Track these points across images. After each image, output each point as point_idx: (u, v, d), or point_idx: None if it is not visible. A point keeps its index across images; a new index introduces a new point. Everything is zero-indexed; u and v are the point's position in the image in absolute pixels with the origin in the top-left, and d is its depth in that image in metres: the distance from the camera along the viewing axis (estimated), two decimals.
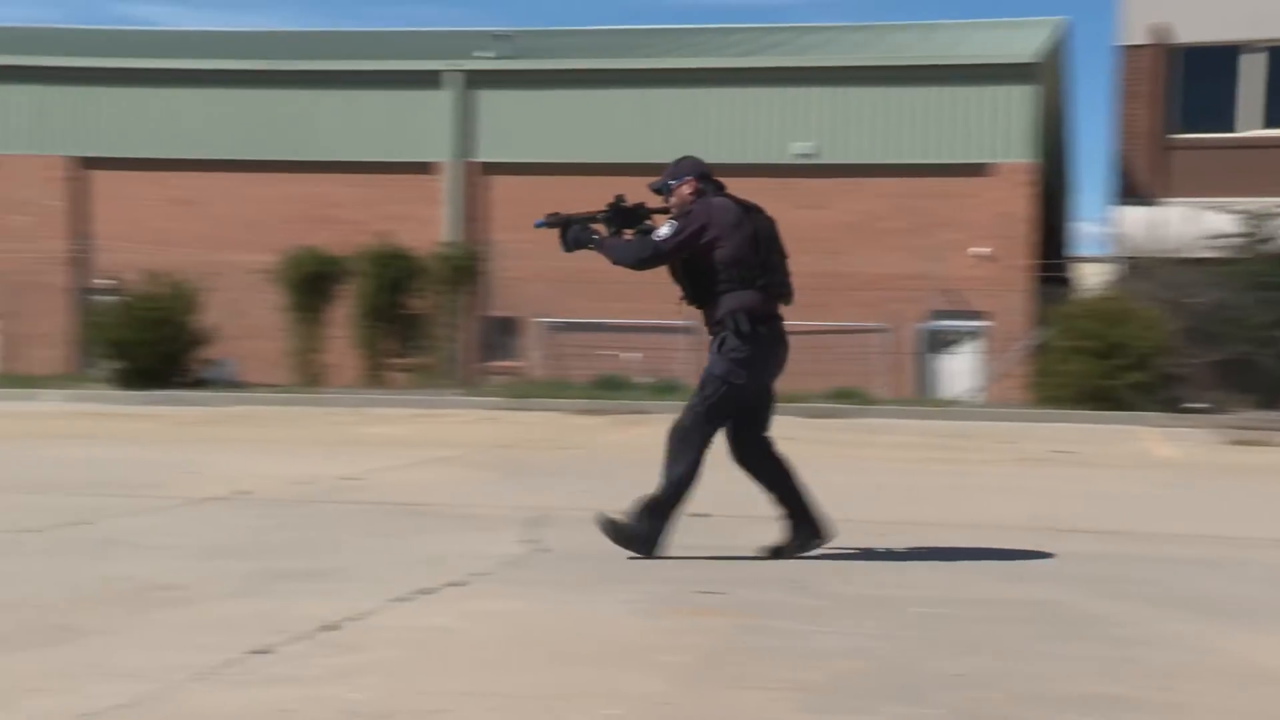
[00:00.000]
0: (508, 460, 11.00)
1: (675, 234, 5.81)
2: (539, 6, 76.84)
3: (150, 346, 20.74)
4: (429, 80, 26.23)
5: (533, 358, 24.74)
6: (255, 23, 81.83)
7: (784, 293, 5.96)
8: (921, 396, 23.09)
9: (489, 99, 26.18)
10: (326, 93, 26.60)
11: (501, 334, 25.27)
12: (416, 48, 28.87)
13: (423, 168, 26.08)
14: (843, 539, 6.27)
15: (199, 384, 21.26)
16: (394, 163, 26.05)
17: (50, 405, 18.38)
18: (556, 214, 6.15)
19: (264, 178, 26.29)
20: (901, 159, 24.85)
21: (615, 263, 6.08)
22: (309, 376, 22.45)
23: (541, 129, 25.88)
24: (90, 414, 16.64)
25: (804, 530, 5.98)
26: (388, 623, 4.47)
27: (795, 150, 25.20)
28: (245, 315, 23.57)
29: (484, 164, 25.97)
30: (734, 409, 5.87)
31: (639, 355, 23.01)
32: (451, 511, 7.52)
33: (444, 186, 26.09)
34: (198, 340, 21.53)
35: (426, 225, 25.46)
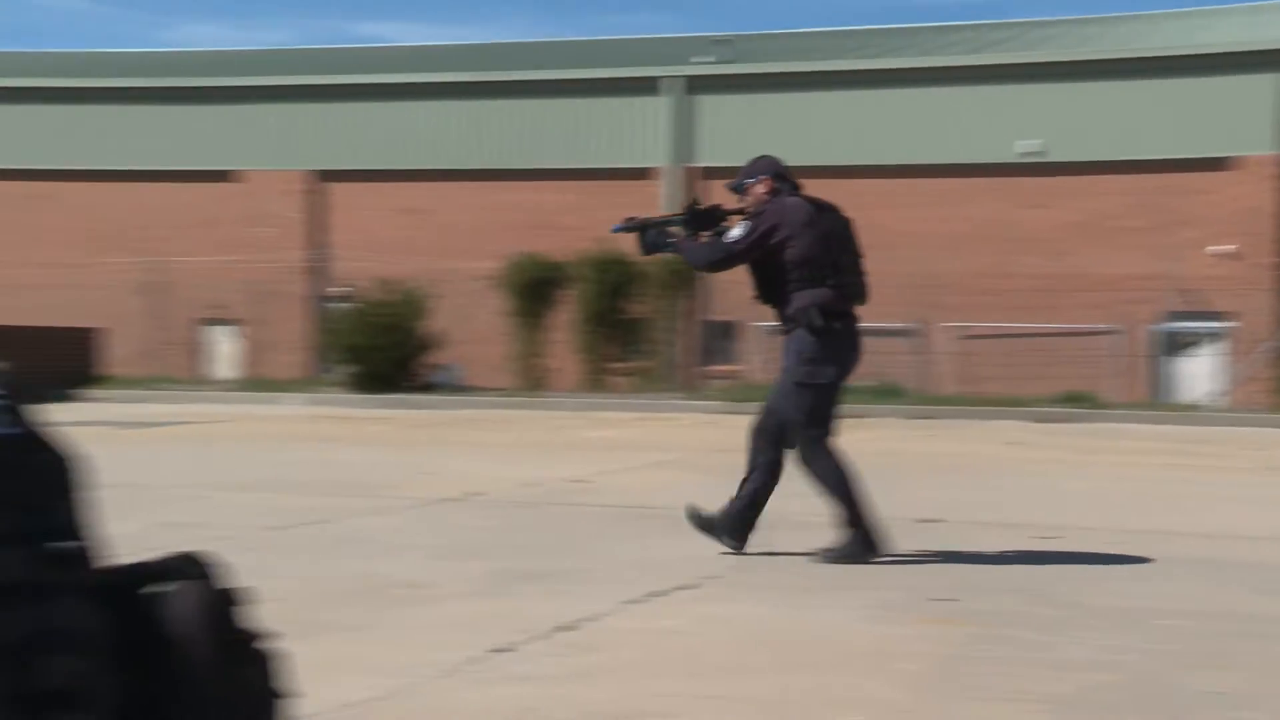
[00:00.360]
0: (730, 464, 10.99)
1: (747, 235, 5.82)
2: (758, 11, 76.78)
3: (382, 351, 21.47)
4: (647, 87, 26.49)
5: (752, 361, 24.72)
6: (480, 36, 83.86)
7: (856, 293, 5.93)
8: (1156, 401, 22.21)
9: (708, 104, 26.29)
10: (548, 102, 27.13)
11: (721, 338, 25.34)
12: (635, 55, 29.20)
13: (641, 173, 26.36)
14: (1082, 546, 6.07)
15: (427, 388, 21.90)
16: (613, 169, 26.39)
17: (290, 409, 19.20)
18: (634, 218, 6.20)
19: (488, 186, 26.97)
20: (1135, 155, 23.98)
21: (690, 265, 6.17)
22: (532, 381, 22.91)
23: (761, 132, 25.82)
24: (327, 417, 17.32)
25: (859, 535, 5.81)
26: (621, 624, 4.51)
27: (1020, 148, 24.58)
28: (470, 321, 24.21)
29: (703, 169, 26.08)
30: (830, 407, 5.83)
31: None
32: (677, 514, 7.54)
33: (662, 192, 26.30)
34: (426, 345, 22.20)
35: None
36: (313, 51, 34.66)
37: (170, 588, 1.24)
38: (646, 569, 5.61)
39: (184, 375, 26.20)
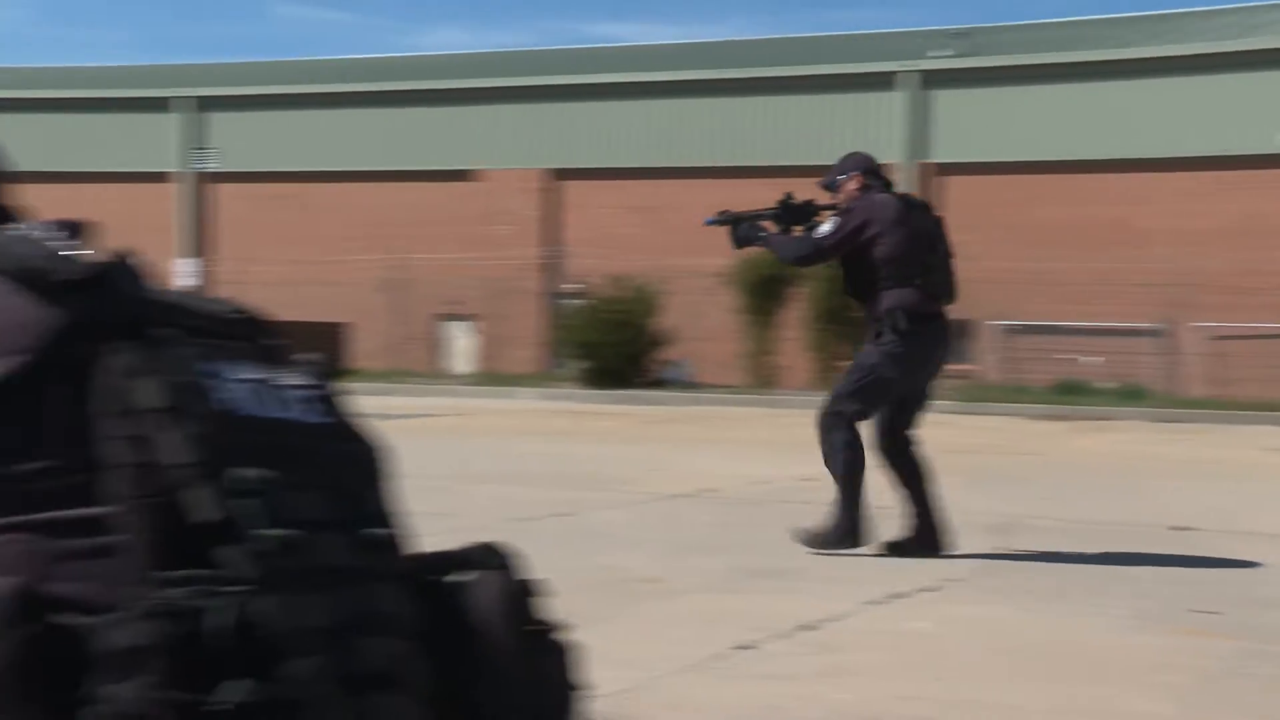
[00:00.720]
0: (966, 465, 10.74)
1: (835, 231, 5.83)
2: (997, 2, 75.00)
3: (614, 347, 21.75)
4: (882, 82, 26.13)
5: (987, 361, 24.14)
6: (713, 34, 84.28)
7: (944, 292, 5.90)
8: None
9: (944, 98, 25.77)
10: (781, 99, 27.03)
11: (954, 337, 24.82)
12: (869, 50, 28.85)
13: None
14: None
15: (657, 384, 22.10)
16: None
17: (525, 403, 19.62)
18: (727, 211, 6.24)
19: (720, 184, 26.99)
20: None
21: (780, 260, 6.25)
22: (761, 378, 22.87)
23: (999, 127, 25.22)
24: (560, 411, 17.64)
25: (923, 535, 5.82)
26: (864, 625, 4.44)
27: None
28: (701, 318, 24.30)
29: (938, 165, 25.59)
30: (879, 400, 5.81)
31: (1100, 360, 21.96)
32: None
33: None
34: (657, 342, 22.40)
35: None
36: (549, 52, 35.37)
37: (472, 577, 1.26)
38: (885, 569, 5.52)
39: (423, 369, 27.08)
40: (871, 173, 6.03)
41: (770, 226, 6.14)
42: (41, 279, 1.17)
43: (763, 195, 26.68)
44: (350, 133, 30.40)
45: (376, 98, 30.58)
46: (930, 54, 26.36)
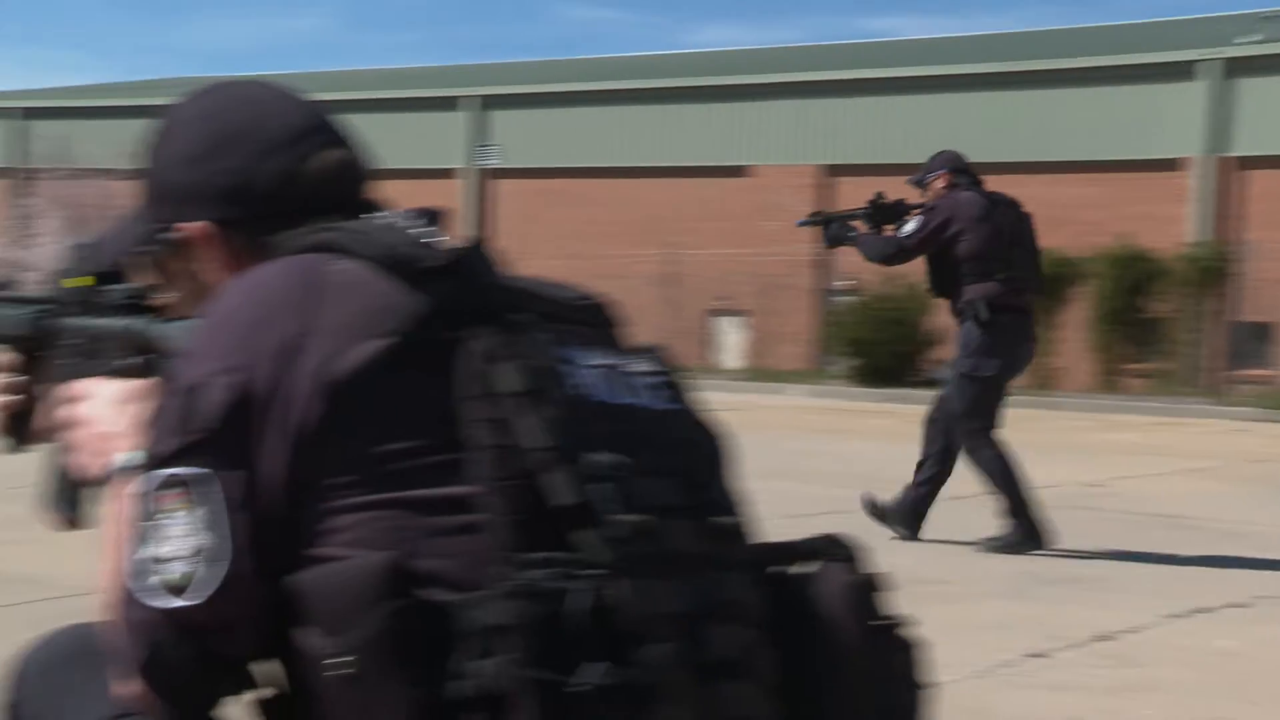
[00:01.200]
0: (1267, 474, 10.17)
1: (919, 229, 5.91)
2: None
3: (885, 345, 21.46)
4: (1180, 72, 24.91)
5: None
6: (991, 26, 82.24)
7: (1028, 286, 5.99)
8: None
9: (1250, 87, 24.39)
10: (1065, 91, 26.11)
11: (1253, 340, 23.45)
12: (1165, 38, 27.57)
13: (1168, 164, 24.83)
14: None
15: (929, 383, 21.67)
16: (1135, 160, 25.01)
17: (793, 399, 19.57)
18: (819, 212, 6.48)
19: (999, 180, 26.26)
20: None
21: (866, 259, 6.30)
22: (1039, 379, 22.15)
23: None
24: (830, 409, 17.52)
25: (1024, 528, 5.77)
26: (1165, 639, 4.24)
27: None
28: None
29: (1239, 158, 24.24)
30: (994, 400, 5.87)
31: None
32: (1212, 526, 7.06)
33: (1191, 184, 24.67)
34: (930, 341, 21.98)
35: (1169, 225, 24.19)
36: (822, 48, 35.17)
37: (816, 568, 1.25)
38: (1184, 581, 5.26)
39: (694, 364, 27.33)
40: (959, 170, 6.15)
41: (861, 226, 6.25)
42: (407, 265, 1.21)
43: (1048, 192, 25.92)
44: (625, 129, 30.91)
45: (651, 94, 30.99)
46: (1236, 40, 24.95)
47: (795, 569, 1.25)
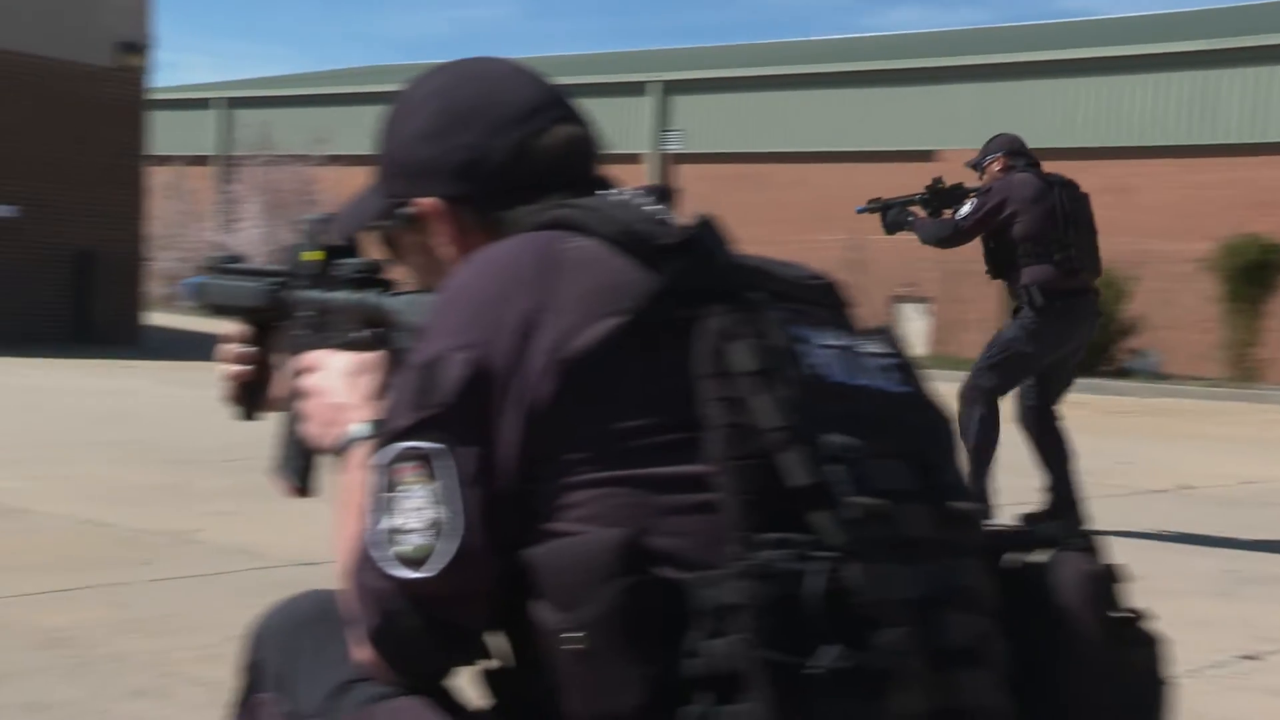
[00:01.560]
0: None
1: (974, 212, 5.94)
2: None
3: None
4: None
5: None
6: (1195, 2, 79.35)
7: (1083, 268, 5.95)
8: None
9: None
10: (1261, 69, 24.99)
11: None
12: None
13: None
14: None
15: (1124, 373, 21.04)
16: None
17: None
18: (878, 199, 6.41)
19: (1199, 163, 25.32)
20: None
21: (923, 242, 6.34)
22: (1242, 371, 21.31)
23: None
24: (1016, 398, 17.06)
25: (1065, 514, 5.69)
26: None
27: None
28: (1172, 306, 22.91)
29: None
30: (1018, 375, 5.84)
31: None
32: None
33: None
34: (1125, 330, 21.31)
35: None
36: (1009, 29, 34.31)
37: (1053, 557, 1.21)
38: None
39: None
40: (1016, 153, 6.18)
41: (919, 211, 6.26)
42: (642, 243, 1.21)
43: (1253, 175, 24.95)
44: (809, 113, 30.66)
45: (835, 78, 30.67)
46: None
47: (1031, 558, 1.21)
